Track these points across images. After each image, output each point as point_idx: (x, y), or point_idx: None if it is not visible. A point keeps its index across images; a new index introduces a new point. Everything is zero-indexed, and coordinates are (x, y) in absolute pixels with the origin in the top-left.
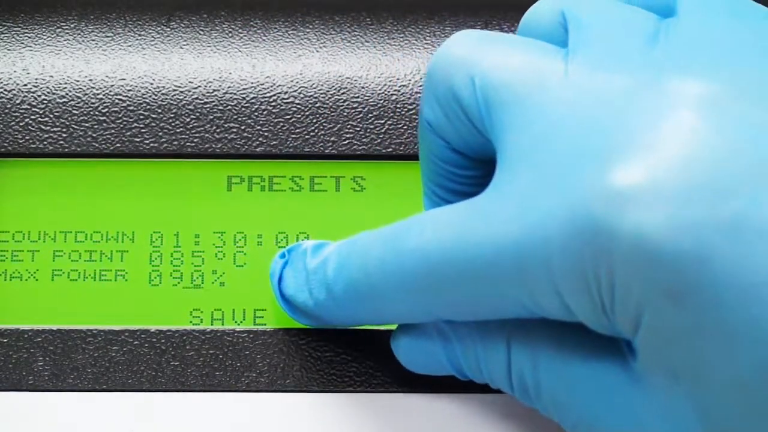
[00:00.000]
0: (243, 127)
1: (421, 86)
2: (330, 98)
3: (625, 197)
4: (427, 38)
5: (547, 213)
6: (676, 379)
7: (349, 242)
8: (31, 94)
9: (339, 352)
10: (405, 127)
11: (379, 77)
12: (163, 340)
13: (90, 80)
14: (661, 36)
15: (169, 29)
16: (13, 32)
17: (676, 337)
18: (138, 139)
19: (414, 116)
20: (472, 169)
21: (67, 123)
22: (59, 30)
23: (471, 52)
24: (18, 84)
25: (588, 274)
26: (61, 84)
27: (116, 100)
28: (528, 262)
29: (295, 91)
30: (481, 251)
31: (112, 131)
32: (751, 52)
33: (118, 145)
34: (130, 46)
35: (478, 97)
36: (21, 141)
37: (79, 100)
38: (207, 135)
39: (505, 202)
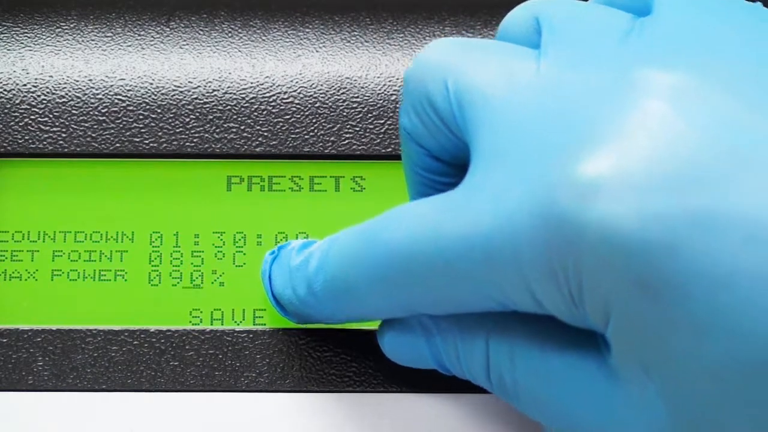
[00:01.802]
0: (243, 127)
1: None
2: (330, 98)
3: (591, 188)
4: (427, 38)
5: (516, 206)
6: (647, 372)
7: (330, 239)
8: (31, 94)
9: (339, 352)
10: None
11: (379, 77)
12: (162, 340)
13: (90, 80)
14: (634, 33)
15: (169, 29)
16: (13, 32)
17: (646, 329)
18: (138, 139)
19: None
20: (451, 176)
21: (67, 123)
22: (59, 30)
23: (445, 58)
24: (18, 84)
25: (556, 266)
26: (60, 84)
27: (116, 100)
28: (498, 255)
29: (295, 91)
30: (453, 245)
31: (112, 131)
32: (725, 44)
33: (117, 145)
34: (129, 46)
35: (451, 101)
36: (21, 141)
37: (79, 100)
38: (207, 135)
39: (476, 197)
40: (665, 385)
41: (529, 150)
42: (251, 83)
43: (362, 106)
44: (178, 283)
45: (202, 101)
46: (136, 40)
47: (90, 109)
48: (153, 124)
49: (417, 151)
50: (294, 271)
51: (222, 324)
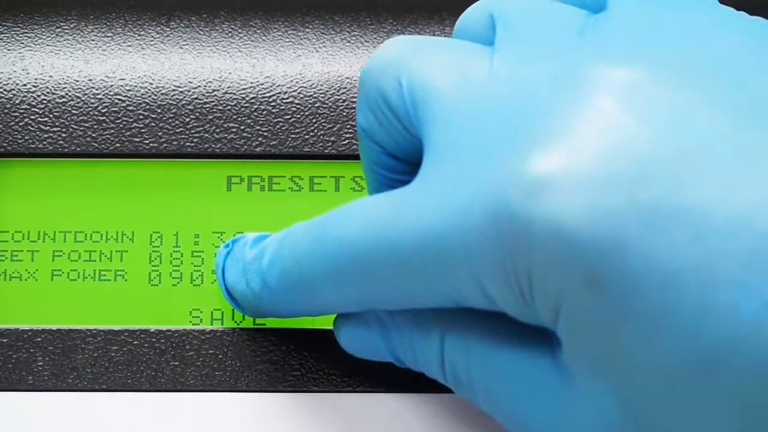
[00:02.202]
0: (243, 127)
1: None
2: (330, 98)
3: (541, 184)
4: None
5: (467, 201)
6: (597, 370)
7: (284, 232)
8: (31, 94)
9: (338, 352)
10: None
11: None
12: (162, 340)
13: (90, 80)
14: (588, 29)
15: (169, 29)
16: (13, 32)
17: (596, 326)
18: (138, 139)
19: None
20: (408, 173)
21: (67, 123)
22: (59, 30)
23: (399, 55)
24: (18, 84)
25: (506, 262)
26: (60, 84)
27: (116, 100)
28: (449, 251)
29: (295, 91)
30: (404, 241)
31: (112, 131)
32: (679, 39)
33: (117, 145)
34: (129, 46)
35: (405, 97)
36: (21, 141)
37: (79, 100)
38: (207, 135)
39: (427, 192)
40: (614, 383)
41: (480, 145)
42: (251, 83)
43: None
44: (178, 283)
45: (202, 101)
46: (136, 40)
47: (90, 109)
48: (153, 124)
49: (373, 149)
50: (248, 264)
51: (222, 324)
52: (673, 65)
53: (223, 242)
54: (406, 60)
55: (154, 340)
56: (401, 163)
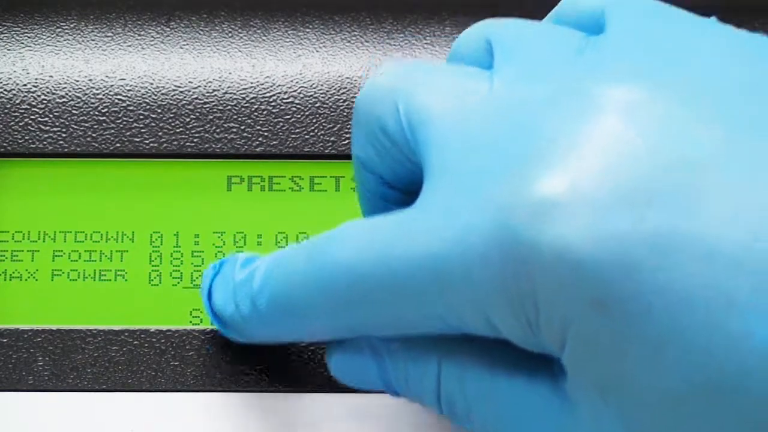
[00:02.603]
0: (243, 127)
1: None
2: (330, 98)
3: (546, 208)
4: (427, 38)
5: (468, 225)
6: (604, 397)
7: (276, 254)
8: (31, 94)
9: None
10: None
11: None
12: (163, 340)
13: (90, 80)
14: (587, 50)
15: (169, 29)
16: (13, 32)
17: (603, 350)
18: (138, 139)
19: None
20: (407, 204)
21: (67, 123)
22: (59, 30)
23: (395, 81)
24: (18, 84)
25: (510, 287)
26: (60, 84)
27: (116, 100)
28: (448, 276)
29: (295, 91)
30: (401, 264)
31: (112, 131)
32: (678, 57)
33: (118, 145)
34: (130, 46)
35: (402, 123)
36: (21, 141)
37: (79, 100)
38: (207, 135)
39: (426, 216)
40: (621, 408)
41: (481, 167)
42: (251, 83)
43: None
44: (178, 283)
45: (202, 101)
46: (136, 40)
47: (90, 109)
48: (153, 124)
49: (371, 179)
50: (238, 286)
51: None
52: (673, 83)
53: (223, 242)
54: (402, 85)
55: (154, 340)
56: (400, 193)
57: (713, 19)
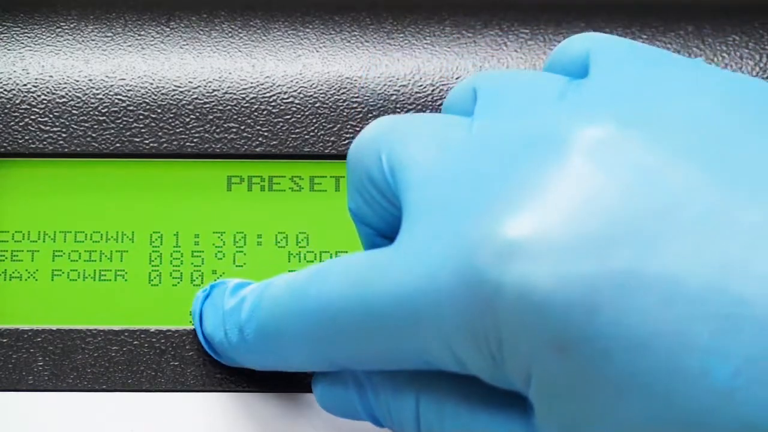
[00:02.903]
0: (243, 127)
1: (420, 86)
2: (330, 98)
3: (510, 248)
4: (427, 38)
5: (439, 264)
6: None
7: (264, 284)
8: (31, 94)
9: None
10: None
11: (379, 77)
12: (163, 340)
13: (90, 80)
14: (568, 94)
15: (169, 29)
16: (13, 32)
17: (566, 391)
18: (138, 139)
19: None
20: None
21: (67, 123)
22: (59, 30)
23: (379, 133)
24: (18, 84)
25: (476, 325)
26: (61, 84)
27: (116, 100)
28: (420, 314)
29: (295, 91)
30: (377, 301)
31: (112, 131)
32: (655, 97)
33: (118, 145)
34: (130, 46)
35: (385, 170)
36: (21, 141)
37: (79, 100)
38: (207, 135)
39: (401, 253)
40: None
41: (453, 207)
42: (251, 83)
43: (362, 106)
44: (178, 283)
45: (202, 101)
46: (136, 40)
47: (90, 109)
48: (153, 124)
49: (365, 231)
50: (227, 314)
51: None
52: (645, 123)
53: (223, 242)
54: (386, 135)
55: (154, 340)
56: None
57: (700, 60)
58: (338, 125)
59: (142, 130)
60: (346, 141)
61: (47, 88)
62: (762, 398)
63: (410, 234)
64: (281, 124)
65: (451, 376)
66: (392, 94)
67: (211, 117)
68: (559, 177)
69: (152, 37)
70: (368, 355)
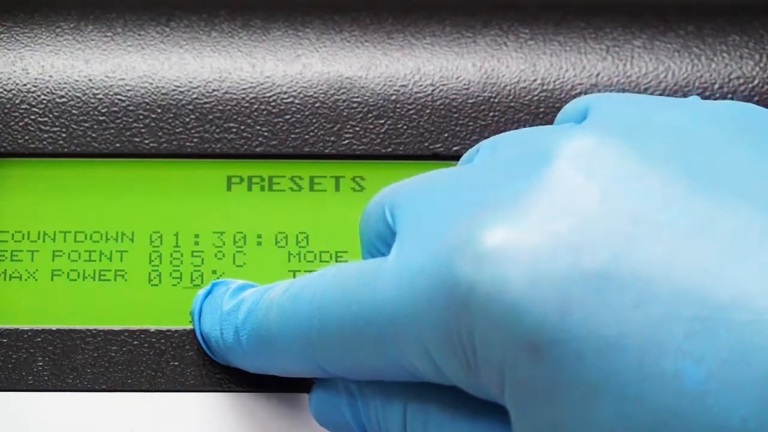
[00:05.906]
0: (243, 127)
1: (420, 86)
2: (330, 98)
3: (486, 251)
4: (427, 38)
5: (418, 270)
6: None
7: (263, 288)
8: (31, 94)
9: None
10: (405, 127)
11: (379, 77)
12: (162, 340)
13: (90, 80)
14: (565, 126)
15: (169, 29)
16: (12, 32)
17: (537, 395)
18: (138, 139)
19: (414, 116)
20: None
21: (67, 123)
22: (59, 30)
23: (382, 195)
24: (18, 84)
25: (451, 329)
26: (60, 84)
27: (116, 100)
28: (400, 320)
29: (295, 91)
30: (363, 310)
31: (112, 131)
32: (647, 119)
33: (117, 145)
34: (129, 46)
35: (387, 218)
36: (20, 141)
37: (79, 100)
38: (207, 135)
39: (388, 264)
40: None
41: (438, 221)
42: (251, 83)
43: (362, 106)
44: (178, 283)
45: (202, 101)
46: (136, 40)
47: (90, 109)
48: (153, 124)
49: None
50: (225, 315)
51: None
52: (626, 132)
53: (223, 242)
54: (387, 193)
55: (154, 340)
56: None
57: (695, 98)
58: (338, 125)
59: (142, 130)
60: (346, 141)
61: (47, 88)
62: (734, 402)
63: (399, 246)
64: (281, 124)
65: (438, 387)
66: (392, 94)
67: (211, 117)
68: (539, 183)
69: (152, 37)
70: (354, 362)
